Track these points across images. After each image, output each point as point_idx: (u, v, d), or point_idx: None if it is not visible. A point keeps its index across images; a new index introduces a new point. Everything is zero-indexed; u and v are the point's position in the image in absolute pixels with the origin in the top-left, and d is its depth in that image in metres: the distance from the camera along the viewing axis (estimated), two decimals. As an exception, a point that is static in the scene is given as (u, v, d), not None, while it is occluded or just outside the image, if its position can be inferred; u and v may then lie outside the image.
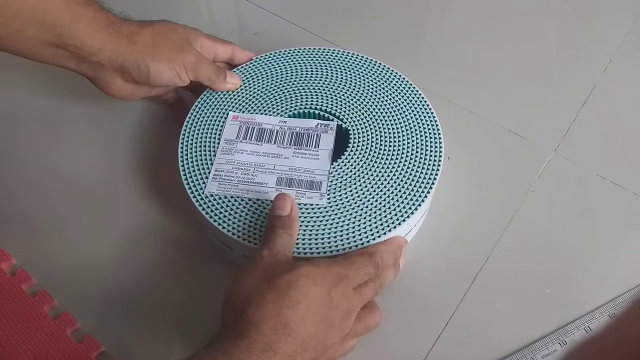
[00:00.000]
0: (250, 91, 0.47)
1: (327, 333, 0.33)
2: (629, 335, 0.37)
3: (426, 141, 0.43)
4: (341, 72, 0.48)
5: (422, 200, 0.40)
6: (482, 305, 0.41)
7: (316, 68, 0.49)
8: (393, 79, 0.47)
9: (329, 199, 0.41)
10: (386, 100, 0.46)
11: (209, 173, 0.42)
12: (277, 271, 0.33)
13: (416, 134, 0.44)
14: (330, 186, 0.41)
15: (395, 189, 0.41)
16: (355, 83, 0.47)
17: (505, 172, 0.48)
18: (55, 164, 0.49)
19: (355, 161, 0.43)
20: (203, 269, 0.43)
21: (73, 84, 0.48)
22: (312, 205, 0.40)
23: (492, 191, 0.46)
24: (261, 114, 0.46)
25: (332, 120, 0.45)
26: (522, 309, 0.41)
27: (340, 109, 0.46)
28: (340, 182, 0.42)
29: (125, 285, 0.42)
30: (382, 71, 0.48)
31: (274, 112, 0.46)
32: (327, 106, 0.46)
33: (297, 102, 0.46)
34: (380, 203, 0.40)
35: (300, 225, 0.39)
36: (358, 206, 0.40)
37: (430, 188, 0.41)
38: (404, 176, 0.42)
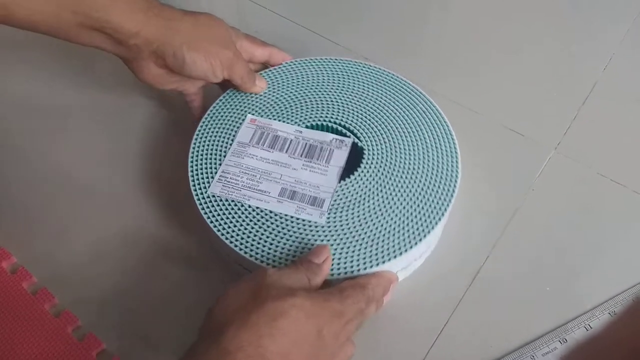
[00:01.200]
0: (270, 97, 0.46)
1: None
2: (630, 334, 0.37)
3: (441, 166, 0.42)
4: (363, 85, 0.47)
5: (428, 232, 0.38)
6: (482, 303, 0.41)
7: (337, 79, 0.47)
8: (414, 96, 0.46)
9: (328, 218, 0.39)
10: (405, 119, 0.44)
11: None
12: (271, 294, 0.31)
13: (432, 156, 0.42)
14: (333, 205, 0.40)
15: (404, 215, 0.39)
16: (376, 98, 0.46)
17: (505, 170, 0.47)
18: (57, 162, 0.49)
19: (365, 181, 0.41)
20: (204, 270, 0.43)
21: (81, 84, 0.48)
22: (310, 222, 0.39)
23: (492, 189, 0.46)
24: (279, 120, 0.45)
25: (349, 136, 0.43)
26: (522, 306, 0.41)
27: (358, 124, 0.44)
28: (347, 202, 0.40)
29: (126, 283, 0.42)
30: (403, 87, 0.47)
31: (291, 121, 0.45)
32: (344, 120, 0.44)
33: (315, 112, 0.45)
34: (385, 229, 0.39)
35: (297, 241, 0.38)
36: (361, 229, 0.39)
37: (439, 219, 0.39)
38: (414, 201, 0.40)
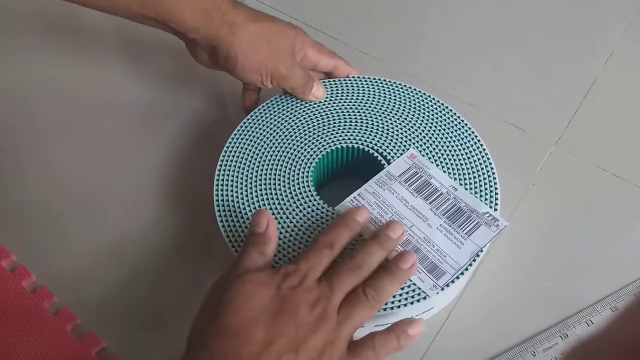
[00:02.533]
0: (314, 109, 0.45)
1: (298, 330, 0.30)
2: (632, 331, 0.37)
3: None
4: (410, 112, 0.45)
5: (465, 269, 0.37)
6: (483, 298, 0.41)
7: (391, 103, 0.45)
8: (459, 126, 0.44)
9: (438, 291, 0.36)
10: (449, 152, 0.42)
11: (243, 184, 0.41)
12: (226, 287, 0.32)
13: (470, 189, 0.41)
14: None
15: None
16: (426, 128, 0.44)
17: (506, 165, 0.47)
18: (55, 161, 0.49)
19: None
20: (205, 270, 0.43)
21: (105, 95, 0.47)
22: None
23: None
24: (304, 138, 0.43)
25: (492, 217, 0.39)
26: (523, 302, 0.41)
27: (391, 149, 0.43)
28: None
29: (125, 282, 0.42)
30: (444, 113, 0.45)
31: (319, 137, 0.43)
32: (378, 144, 0.43)
33: (351, 132, 0.43)
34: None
35: None
36: None
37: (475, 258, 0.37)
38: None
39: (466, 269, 0.37)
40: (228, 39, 0.40)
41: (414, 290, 0.37)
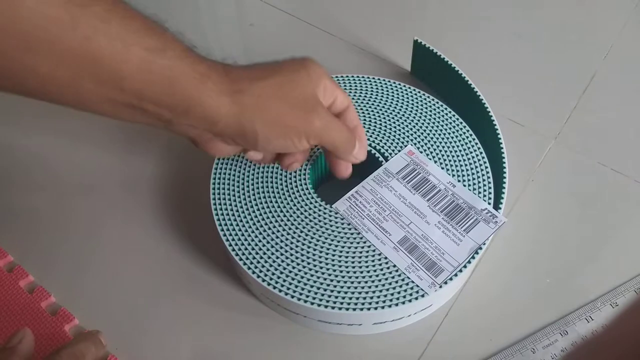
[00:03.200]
0: None
1: None
2: (632, 327, 0.37)
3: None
4: (412, 113, 0.44)
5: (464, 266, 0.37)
6: (481, 295, 0.41)
7: (382, 101, 0.45)
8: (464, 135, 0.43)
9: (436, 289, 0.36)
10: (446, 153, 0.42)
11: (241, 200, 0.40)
12: None
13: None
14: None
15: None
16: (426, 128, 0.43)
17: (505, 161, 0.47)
18: (56, 160, 0.48)
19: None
20: (201, 268, 0.43)
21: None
22: (339, 255, 0.37)
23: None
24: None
25: (491, 214, 0.39)
26: (522, 298, 0.40)
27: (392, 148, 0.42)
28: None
29: (123, 283, 0.42)
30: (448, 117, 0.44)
31: None
32: (378, 143, 0.43)
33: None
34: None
35: (323, 276, 0.37)
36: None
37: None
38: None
39: (465, 267, 0.37)
40: (234, 110, 0.31)
41: (412, 288, 0.36)
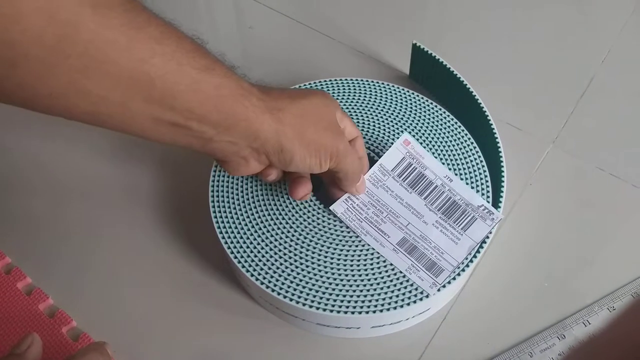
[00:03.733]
0: None
1: None
2: (629, 331, 0.37)
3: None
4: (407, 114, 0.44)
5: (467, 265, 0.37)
6: (479, 299, 0.41)
7: (372, 102, 0.45)
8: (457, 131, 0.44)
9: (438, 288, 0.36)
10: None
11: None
12: None
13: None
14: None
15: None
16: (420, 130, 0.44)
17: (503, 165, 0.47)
18: (56, 164, 0.48)
19: None
20: (200, 272, 0.43)
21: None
22: (338, 255, 0.37)
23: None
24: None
25: (487, 210, 0.38)
26: (520, 302, 0.40)
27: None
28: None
29: (121, 285, 0.42)
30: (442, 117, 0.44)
31: None
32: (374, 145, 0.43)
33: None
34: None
35: (323, 278, 0.37)
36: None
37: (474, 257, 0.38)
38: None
39: (467, 266, 0.37)
40: (276, 128, 0.32)
41: (410, 292, 0.36)
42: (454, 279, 0.37)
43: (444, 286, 0.36)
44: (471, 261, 0.37)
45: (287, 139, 0.33)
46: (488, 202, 0.40)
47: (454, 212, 0.39)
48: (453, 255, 0.37)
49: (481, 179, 0.41)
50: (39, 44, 0.25)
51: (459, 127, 0.44)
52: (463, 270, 0.37)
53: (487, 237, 0.38)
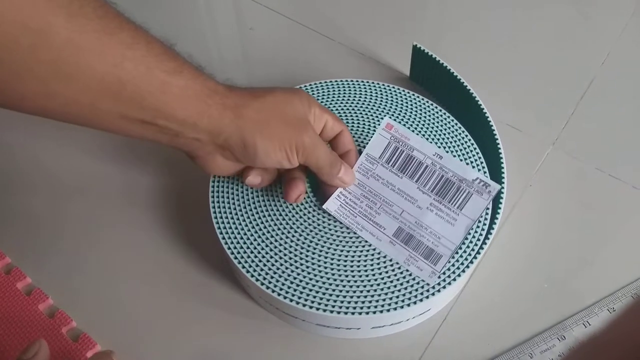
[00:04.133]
0: None
1: None
2: (629, 333, 0.37)
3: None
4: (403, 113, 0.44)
5: (465, 268, 0.37)
6: (479, 300, 0.41)
7: (381, 104, 0.45)
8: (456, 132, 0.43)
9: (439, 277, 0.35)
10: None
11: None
12: None
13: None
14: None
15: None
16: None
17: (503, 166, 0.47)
18: (56, 163, 0.48)
19: None
20: (201, 272, 0.43)
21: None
22: (337, 259, 0.37)
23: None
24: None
25: (483, 183, 0.37)
26: (520, 303, 0.40)
27: None
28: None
29: (121, 285, 0.42)
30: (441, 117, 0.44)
31: None
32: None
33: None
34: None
35: (327, 282, 0.37)
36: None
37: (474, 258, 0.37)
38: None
39: (467, 267, 0.37)
40: (237, 124, 0.34)
41: (410, 292, 0.36)
42: (464, 270, 0.36)
43: (444, 273, 0.36)
44: (471, 262, 0.37)
45: (248, 134, 0.34)
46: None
47: (448, 190, 0.38)
48: (450, 239, 0.37)
49: (481, 169, 0.41)
50: (13, 51, 0.27)
51: (459, 128, 0.44)
52: (472, 257, 0.37)
53: (486, 213, 0.37)
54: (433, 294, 0.36)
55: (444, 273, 0.37)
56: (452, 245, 0.36)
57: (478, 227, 0.39)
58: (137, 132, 0.33)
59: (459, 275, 0.37)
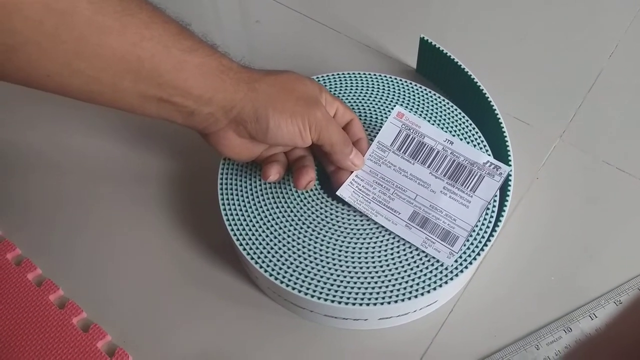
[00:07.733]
0: None
1: None
2: (635, 324, 0.37)
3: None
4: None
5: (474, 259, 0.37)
6: (486, 292, 0.41)
7: (377, 96, 0.45)
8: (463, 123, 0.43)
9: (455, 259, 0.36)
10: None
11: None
12: None
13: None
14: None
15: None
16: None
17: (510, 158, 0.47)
18: (69, 149, 0.49)
19: None
20: (210, 266, 0.43)
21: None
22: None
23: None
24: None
25: (494, 166, 0.38)
26: (526, 296, 0.41)
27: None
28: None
29: (132, 276, 0.42)
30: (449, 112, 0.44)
31: None
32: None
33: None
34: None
35: (331, 269, 0.37)
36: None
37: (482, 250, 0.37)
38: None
39: (474, 259, 0.37)
40: (249, 96, 0.35)
41: (418, 284, 0.37)
42: (479, 253, 0.37)
43: (460, 255, 0.37)
44: (479, 254, 0.37)
45: (261, 106, 0.35)
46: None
47: (460, 174, 0.38)
48: (466, 220, 0.37)
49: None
50: (39, 31, 0.28)
51: (467, 120, 0.44)
52: (473, 257, 0.37)
53: (494, 201, 0.38)
54: (440, 286, 0.37)
55: (456, 261, 0.37)
56: (467, 227, 0.37)
57: (485, 218, 0.39)
58: (153, 110, 0.34)
59: (466, 267, 0.37)
